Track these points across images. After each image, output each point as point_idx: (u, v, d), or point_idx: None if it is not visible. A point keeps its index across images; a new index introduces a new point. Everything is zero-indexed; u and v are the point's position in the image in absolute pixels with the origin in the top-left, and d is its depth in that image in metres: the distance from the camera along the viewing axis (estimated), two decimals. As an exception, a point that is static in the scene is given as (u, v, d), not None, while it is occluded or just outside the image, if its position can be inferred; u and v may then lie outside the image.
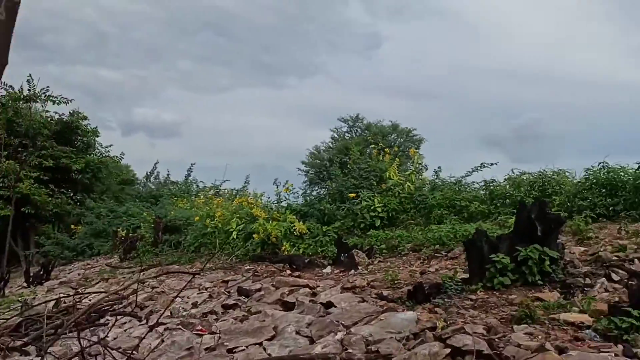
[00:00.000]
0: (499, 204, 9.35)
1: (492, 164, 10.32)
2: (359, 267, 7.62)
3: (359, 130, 29.05)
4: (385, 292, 5.82)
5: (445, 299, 5.21)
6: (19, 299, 8.70)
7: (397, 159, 11.22)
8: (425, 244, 8.28)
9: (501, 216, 8.67)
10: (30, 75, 19.09)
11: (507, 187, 9.58)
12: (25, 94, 19.43)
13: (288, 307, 5.84)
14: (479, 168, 10.37)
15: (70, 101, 20.00)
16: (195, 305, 6.83)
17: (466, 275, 5.74)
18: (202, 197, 16.36)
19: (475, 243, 5.51)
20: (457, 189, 10.40)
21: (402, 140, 27.89)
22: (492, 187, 9.66)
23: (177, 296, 6.35)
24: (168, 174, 22.94)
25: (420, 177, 10.98)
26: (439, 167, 11.66)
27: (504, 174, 10.17)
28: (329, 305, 5.47)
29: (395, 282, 6.39)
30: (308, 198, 11.53)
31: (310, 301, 5.72)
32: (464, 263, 6.51)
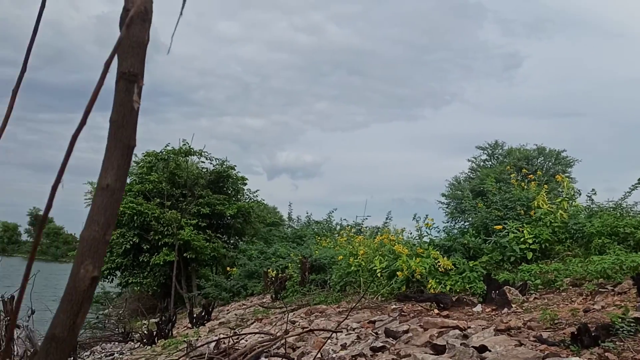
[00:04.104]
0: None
1: None
2: (512, 305, 7.14)
3: (499, 157, 27.65)
4: (544, 334, 5.36)
5: (617, 342, 4.67)
6: (185, 339, 9.42)
7: (545, 185, 10.48)
8: (586, 277, 7.58)
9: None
10: (185, 140, 21.88)
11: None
12: (182, 148, 21.82)
13: (438, 350, 5.62)
14: (638, 185, 9.28)
15: (223, 162, 22.32)
16: (344, 347, 6.86)
17: (639, 314, 5.11)
18: (344, 235, 16.66)
19: (647, 278, 4.90)
20: (617, 213, 9.41)
21: (550, 163, 25.94)
22: (663, 211, 8.60)
23: (329, 338, 6.43)
24: (308, 214, 23.84)
25: (573, 203, 10.11)
26: (593, 191, 10.66)
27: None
28: (482, 349, 5.17)
29: (555, 322, 5.87)
30: (450, 232, 11.18)
31: (461, 344, 5.45)
32: (635, 299, 5.82)
